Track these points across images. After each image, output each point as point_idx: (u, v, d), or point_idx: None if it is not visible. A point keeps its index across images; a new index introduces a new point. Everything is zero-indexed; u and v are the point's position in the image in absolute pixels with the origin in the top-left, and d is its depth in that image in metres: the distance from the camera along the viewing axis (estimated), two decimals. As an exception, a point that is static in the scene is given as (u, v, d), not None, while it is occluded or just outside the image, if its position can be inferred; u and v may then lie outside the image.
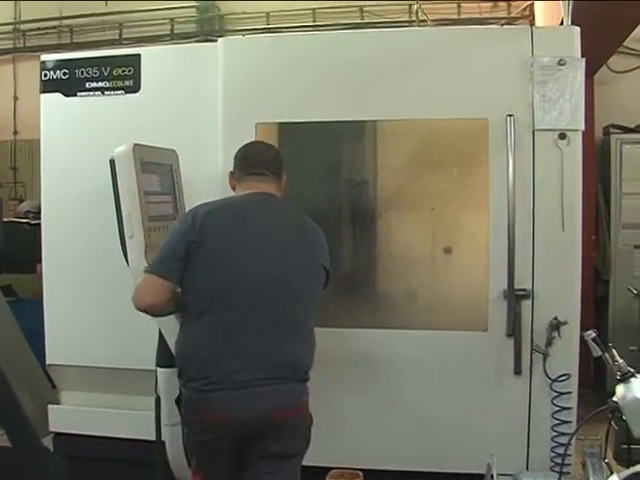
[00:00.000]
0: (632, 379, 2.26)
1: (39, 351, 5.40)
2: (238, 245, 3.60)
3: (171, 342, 3.90)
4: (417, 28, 7.62)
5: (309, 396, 3.66)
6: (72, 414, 5.10)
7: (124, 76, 4.92)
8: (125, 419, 4.92)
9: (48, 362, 5.14)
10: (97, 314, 4.92)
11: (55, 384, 5.30)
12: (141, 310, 3.61)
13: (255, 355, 3.51)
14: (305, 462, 3.79)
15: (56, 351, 5.06)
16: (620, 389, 2.26)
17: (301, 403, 3.62)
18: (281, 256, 3.63)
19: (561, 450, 4.14)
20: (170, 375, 4.13)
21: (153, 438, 4.29)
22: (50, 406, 5.17)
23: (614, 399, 2.25)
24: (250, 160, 3.83)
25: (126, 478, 4.90)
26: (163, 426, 4.24)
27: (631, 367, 2.30)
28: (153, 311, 3.67)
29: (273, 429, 3.51)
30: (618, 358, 2.35)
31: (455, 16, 8.98)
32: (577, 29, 4.44)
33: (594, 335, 2.51)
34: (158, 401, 4.21)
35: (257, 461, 3.58)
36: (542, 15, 7.40)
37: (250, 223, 3.66)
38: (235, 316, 3.52)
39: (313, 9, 9.36)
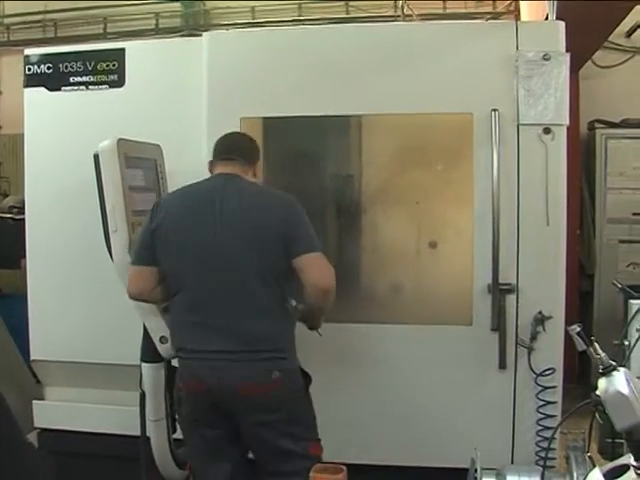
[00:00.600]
0: (614, 372, 2.26)
1: (23, 347, 5.38)
2: (190, 228, 3.79)
3: (155, 337, 3.90)
4: (403, 23, 7.62)
5: (286, 372, 3.74)
6: (57, 410, 5.09)
7: (108, 70, 4.90)
8: (110, 414, 4.91)
9: (32, 358, 5.12)
10: (81, 309, 4.91)
11: (39, 380, 5.28)
12: (133, 299, 3.92)
13: (219, 330, 3.71)
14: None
15: (40, 346, 5.04)
16: (602, 383, 2.25)
17: (271, 379, 3.69)
18: (232, 235, 3.74)
19: (546, 444, 4.15)
20: (155, 370, 4.14)
21: (138, 433, 4.28)
22: (35, 402, 5.15)
23: (597, 393, 2.25)
24: (222, 147, 4.03)
25: (111, 473, 4.89)
26: (148, 421, 4.23)
27: (613, 361, 2.30)
28: (143, 298, 3.93)
29: (243, 401, 3.69)
30: (600, 352, 2.34)
31: (441, 11, 8.99)
32: (562, 24, 4.44)
33: (578, 329, 2.50)
34: (143, 396, 4.21)
35: (243, 429, 3.79)
36: (527, 10, 7.40)
37: (203, 207, 3.81)
38: (199, 294, 3.76)
39: (298, 3, 9.38)
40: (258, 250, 3.72)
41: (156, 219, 3.81)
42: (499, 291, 4.36)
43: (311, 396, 3.91)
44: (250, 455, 3.98)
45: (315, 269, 3.73)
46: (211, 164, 4.02)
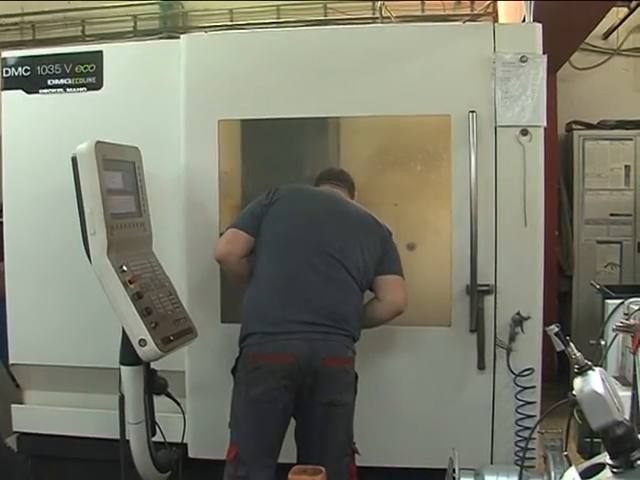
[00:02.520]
0: (589, 372, 2.27)
1: (2, 351, 5.36)
2: (304, 212, 4.15)
3: (134, 340, 3.89)
4: (381, 25, 7.64)
5: (353, 354, 4.01)
6: (36, 413, 5.07)
7: (86, 73, 4.88)
8: (89, 418, 4.90)
9: (11, 361, 5.09)
10: (60, 313, 4.89)
11: (19, 384, 5.26)
12: (218, 259, 4.17)
13: (312, 305, 3.93)
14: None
15: (19, 350, 5.02)
16: (578, 382, 2.27)
17: (348, 355, 3.98)
18: (340, 230, 4.09)
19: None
20: (134, 373, 4.13)
21: (118, 437, 4.27)
22: (14, 405, 5.14)
23: (573, 392, 2.27)
24: (332, 174, 4.47)
25: (91, 477, 4.89)
26: (127, 425, 4.21)
27: (589, 360, 2.32)
28: (228, 261, 4.17)
29: (325, 373, 3.86)
30: (576, 351, 2.36)
31: (419, 13, 8.99)
32: (539, 26, 4.46)
33: (557, 329, 2.52)
34: (122, 399, 4.19)
35: (310, 409, 3.92)
36: (505, 12, 7.43)
37: (314, 199, 4.26)
38: (291, 267, 4.01)
39: (277, 6, 9.35)
40: (360, 252, 4.05)
41: (272, 197, 4.14)
42: (477, 292, 4.38)
43: None
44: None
45: (399, 290, 4.12)
46: (316, 183, 4.43)
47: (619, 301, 4.53)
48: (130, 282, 3.99)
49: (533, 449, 4.15)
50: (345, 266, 3.99)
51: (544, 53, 4.39)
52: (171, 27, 9.66)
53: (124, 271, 4.00)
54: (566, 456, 2.77)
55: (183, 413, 4.42)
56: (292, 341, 3.85)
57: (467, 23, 7.34)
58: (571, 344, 2.40)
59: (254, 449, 3.89)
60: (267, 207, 4.11)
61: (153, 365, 4.19)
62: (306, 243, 4.03)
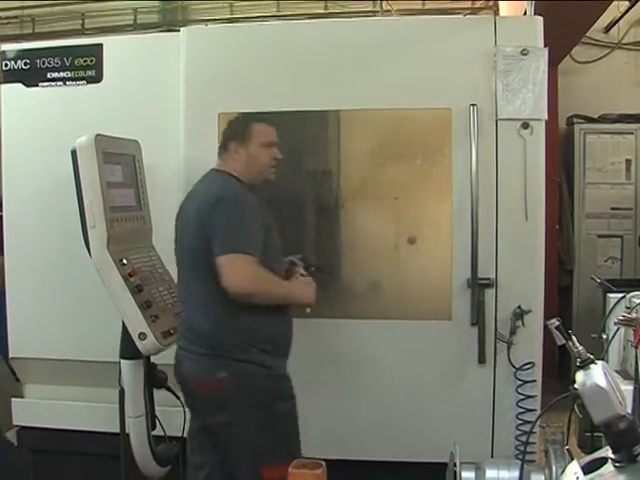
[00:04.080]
0: (592, 366, 2.27)
1: (2, 344, 5.35)
2: (176, 224, 3.88)
3: (134, 334, 3.89)
4: (381, 18, 7.61)
5: (237, 375, 3.61)
6: (36, 407, 5.06)
7: (86, 66, 4.87)
8: (89, 412, 4.89)
9: (11, 355, 5.08)
10: (60, 306, 4.88)
11: (18, 377, 5.25)
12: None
13: (180, 324, 3.90)
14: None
15: (19, 344, 5.01)
16: (580, 376, 2.26)
17: (212, 377, 3.61)
18: (182, 229, 3.82)
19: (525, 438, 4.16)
20: (134, 367, 4.13)
21: (118, 431, 4.27)
22: (14, 399, 5.13)
23: (575, 386, 2.26)
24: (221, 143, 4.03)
25: (91, 471, 4.88)
26: (127, 418, 4.22)
27: (591, 354, 2.31)
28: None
29: (192, 397, 3.82)
30: (578, 345, 2.35)
31: (420, 6, 8.97)
32: (540, 19, 4.46)
33: (557, 323, 2.51)
34: (122, 393, 4.19)
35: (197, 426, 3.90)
36: (506, 6, 7.41)
37: (182, 208, 3.88)
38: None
39: (277, -1, 9.36)
40: (194, 245, 3.65)
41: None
42: (478, 286, 4.37)
43: (290, 418, 3.81)
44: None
45: (229, 273, 3.51)
46: None
47: (621, 295, 4.53)
48: (130, 275, 4.00)
49: (534, 443, 4.15)
50: (191, 269, 3.73)
51: (545, 46, 4.38)
52: (171, 20, 9.64)
53: (124, 264, 4.01)
54: (567, 450, 2.76)
55: (183, 407, 4.40)
56: (175, 363, 3.83)
57: (468, 16, 7.31)
58: (573, 337, 2.39)
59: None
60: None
61: (153, 358, 4.19)
62: (177, 261, 3.86)
